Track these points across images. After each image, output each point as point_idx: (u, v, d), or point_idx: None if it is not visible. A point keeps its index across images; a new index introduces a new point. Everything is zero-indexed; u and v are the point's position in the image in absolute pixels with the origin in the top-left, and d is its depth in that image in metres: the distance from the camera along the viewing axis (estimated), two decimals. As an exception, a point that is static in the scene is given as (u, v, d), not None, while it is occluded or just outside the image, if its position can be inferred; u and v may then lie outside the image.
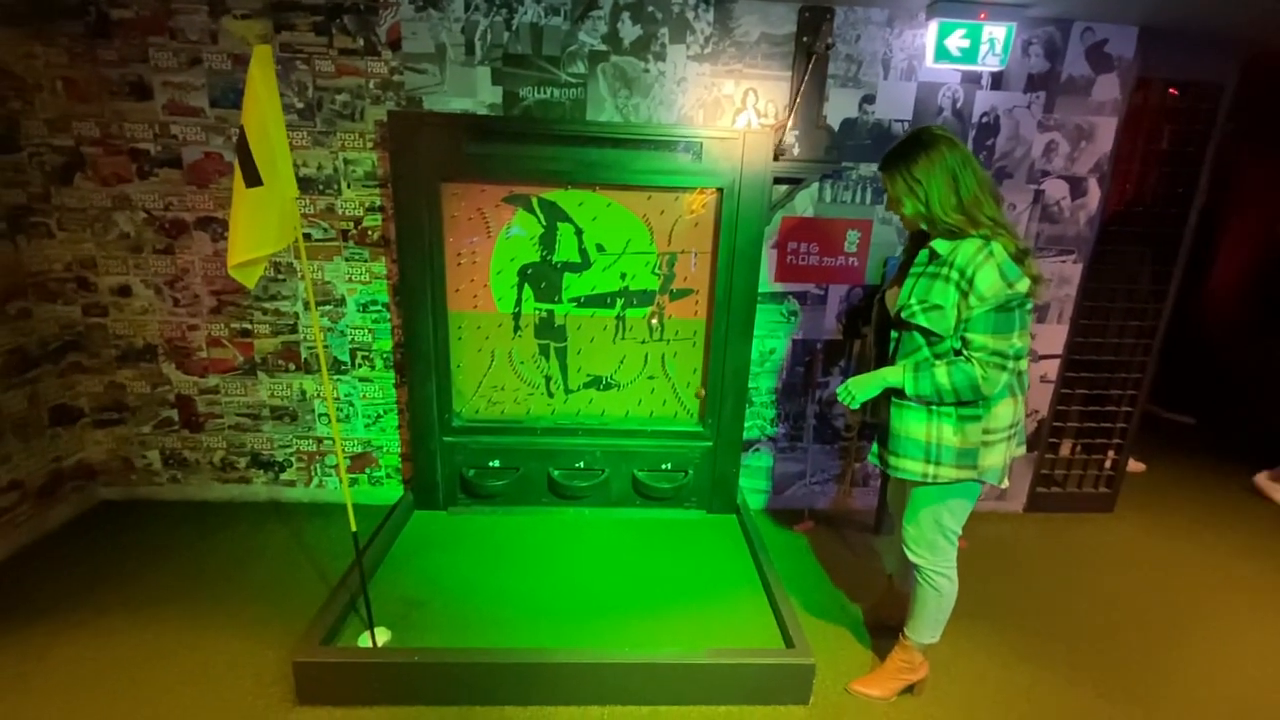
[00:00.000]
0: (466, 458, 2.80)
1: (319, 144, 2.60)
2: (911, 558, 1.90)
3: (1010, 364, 1.61)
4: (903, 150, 1.68)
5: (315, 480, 3.03)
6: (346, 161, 2.63)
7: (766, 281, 2.82)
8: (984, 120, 2.70)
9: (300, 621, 2.18)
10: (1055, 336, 3.01)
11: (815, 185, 2.73)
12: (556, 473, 2.81)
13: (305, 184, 2.63)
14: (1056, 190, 2.81)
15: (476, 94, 2.57)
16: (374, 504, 2.96)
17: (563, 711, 1.90)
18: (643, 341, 2.80)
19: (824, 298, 2.88)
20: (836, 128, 2.66)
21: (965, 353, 1.63)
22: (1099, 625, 2.43)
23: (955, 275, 1.61)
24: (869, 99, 2.65)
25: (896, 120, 2.67)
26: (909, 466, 1.77)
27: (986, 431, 1.70)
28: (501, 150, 2.48)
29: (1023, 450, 1.84)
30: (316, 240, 2.71)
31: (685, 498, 2.88)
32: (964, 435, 1.70)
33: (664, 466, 2.85)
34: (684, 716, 1.90)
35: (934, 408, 1.72)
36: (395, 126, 2.40)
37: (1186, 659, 2.28)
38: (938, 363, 1.67)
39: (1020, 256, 1.59)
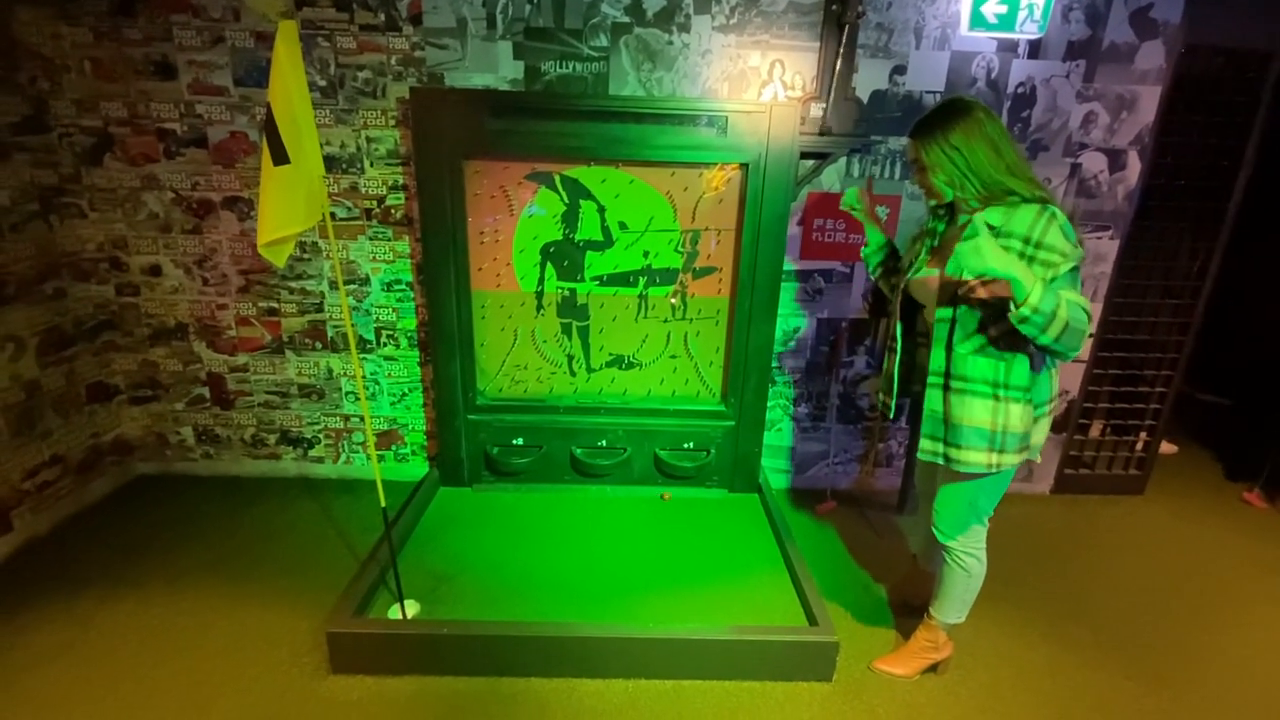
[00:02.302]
0: (490, 435, 2.82)
1: (342, 122, 2.60)
2: (941, 539, 1.88)
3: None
4: (939, 117, 1.60)
5: (343, 457, 3.09)
6: (369, 140, 2.62)
7: (791, 259, 2.78)
8: (1019, 91, 2.61)
9: (331, 593, 2.23)
10: (1088, 315, 2.93)
11: (843, 160, 2.66)
12: (579, 451, 2.83)
13: (329, 163, 2.64)
14: (1094, 163, 2.72)
15: (498, 69, 2.54)
16: (400, 480, 3.01)
17: (587, 684, 1.94)
18: (665, 320, 2.79)
19: (850, 275, 2.83)
20: (866, 100, 2.59)
21: None
22: (1126, 608, 2.41)
23: (1018, 244, 1.49)
24: (900, 70, 2.57)
25: (928, 91, 2.59)
26: (974, 459, 1.65)
27: (1037, 405, 1.69)
28: (523, 126, 2.45)
29: None
30: (341, 219, 2.72)
31: (707, 477, 2.89)
32: (1025, 417, 1.63)
33: (686, 446, 2.85)
34: (707, 691, 1.93)
35: (999, 390, 1.60)
36: (417, 103, 2.38)
37: (1216, 643, 2.25)
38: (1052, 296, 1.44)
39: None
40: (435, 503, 2.75)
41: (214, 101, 2.57)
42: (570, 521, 2.65)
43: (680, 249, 2.69)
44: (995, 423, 1.62)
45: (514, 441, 2.84)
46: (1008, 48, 2.56)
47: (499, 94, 2.52)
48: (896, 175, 2.70)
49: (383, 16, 2.48)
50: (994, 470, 1.67)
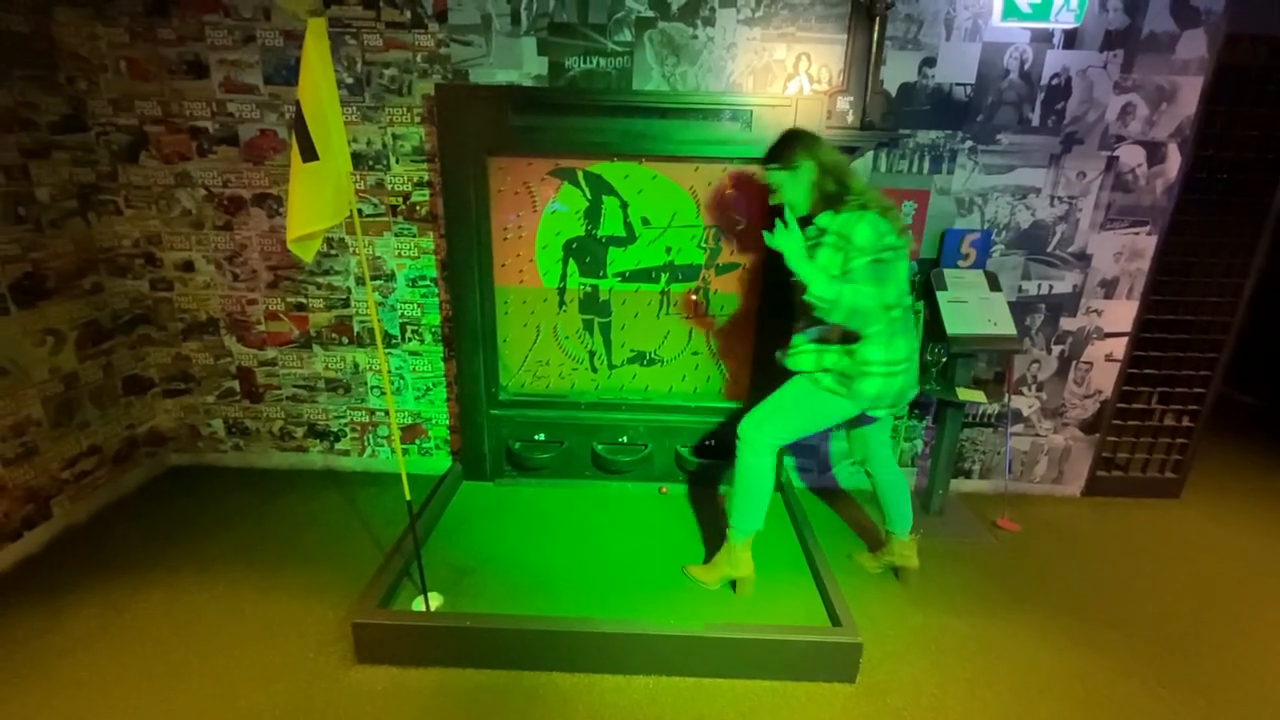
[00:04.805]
0: (512, 431, 2.84)
1: (368, 119, 2.63)
2: (739, 431, 2.10)
3: (887, 311, 1.85)
4: (774, 149, 1.98)
5: (368, 450, 3.13)
6: (395, 137, 2.65)
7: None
8: (1054, 82, 2.54)
9: (357, 584, 2.27)
10: (1123, 313, 2.85)
11: (870, 154, 2.62)
12: (600, 447, 2.83)
13: (355, 159, 2.67)
14: (1132, 157, 2.64)
15: (522, 65, 2.55)
16: (424, 474, 3.04)
17: (608, 680, 1.94)
18: (687, 317, 2.77)
19: (876, 272, 2.78)
20: (894, 93, 2.55)
21: None
22: (1162, 614, 2.34)
23: (834, 239, 1.86)
24: (929, 62, 2.52)
25: (958, 84, 2.54)
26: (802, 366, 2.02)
27: (863, 363, 1.91)
28: (547, 122, 2.45)
29: (914, 390, 2.09)
30: (367, 216, 2.76)
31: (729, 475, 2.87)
32: (843, 363, 1.93)
33: (708, 443, 2.84)
34: (728, 690, 1.92)
35: (819, 348, 1.98)
36: (442, 100, 2.40)
37: (1256, 652, 2.17)
38: (848, 284, 1.84)
39: (886, 212, 1.85)
40: (458, 497, 2.78)
41: (245, 100, 2.62)
42: (591, 517, 2.65)
43: (703, 245, 2.67)
44: (816, 364, 1.99)
45: (536, 437, 2.85)
46: (1042, 38, 2.49)
47: (523, 90, 2.52)
48: (925, 170, 2.65)
49: (408, 14, 2.50)
50: (814, 383, 1.99)
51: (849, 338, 1.91)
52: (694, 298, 2.73)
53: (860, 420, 2.14)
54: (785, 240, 1.83)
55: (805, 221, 1.94)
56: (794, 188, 1.95)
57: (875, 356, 1.90)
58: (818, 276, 1.82)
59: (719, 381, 2.86)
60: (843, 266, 1.83)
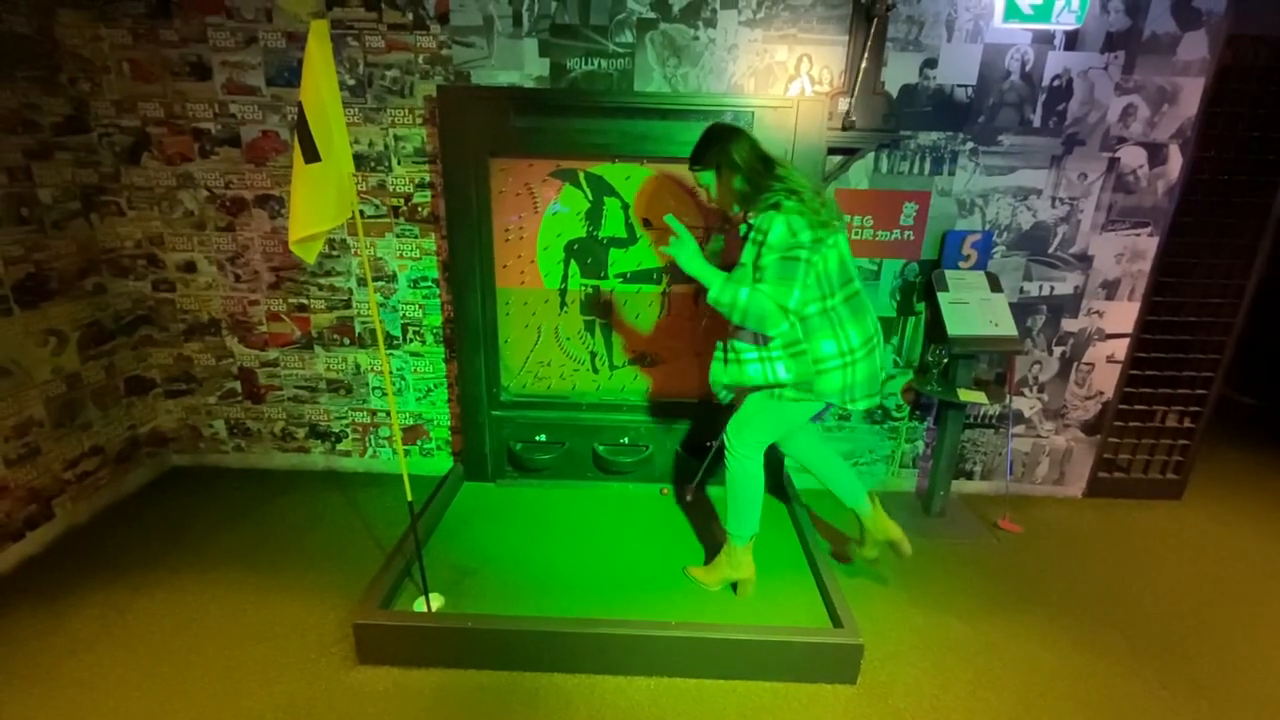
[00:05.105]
0: (514, 432, 2.84)
1: (370, 120, 2.63)
2: (725, 437, 2.10)
3: (786, 315, 1.80)
4: (697, 149, 1.92)
5: (370, 451, 3.13)
6: (397, 138, 2.65)
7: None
8: (1055, 84, 2.54)
9: (358, 585, 2.27)
10: (1125, 315, 2.85)
11: (871, 155, 2.62)
12: (601, 448, 2.83)
13: (357, 161, 2.67)
14: (1133, 158, 2.64)
15: (524, 67, 2.55)
16: (425, 475, 3.04)
17: (609, 681, 1.94)
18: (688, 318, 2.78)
19: (878, 273, 2.79)
20: (895, 94, 2.55)
21: None
22: (1163, 615, 2.33)
23: (760, 236, 1.80)
24: (931, 63, 2.52)
25: (960, 85, 2.54)
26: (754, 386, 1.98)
27: (816, 361, 1.88)
28: (548, 124, 2.45)
29: (881, 373, 2.00)
30: (369, 217, 2.76)
31: (730, 475, 2.87)
32: (796, 369, 1.88)
33: (709, 444, 2.84)
34: (729, 691, 1.92)
35: (763, 355, 1.91)
36: (444, 102, 2.40)
37: (1258, 653, 2.17)
38: (750, 286, 1.81)
39: (803, 206, 1.77)
40: (459, 497, 2.78)
41: (247, 101, 2.62)
42: (592, 518, 2.65)
43: (705, 246, 2.67)
44: (765, 377, 1.92)
45: (537, 438, 2.85)
46: (1043, 39, 2.49)
47: (524, 92, 2.53)
48: (926, 171, 2.65)
49: (410, 15, 2.50)
50: (773, 396, 1.96)
51: (791, 341, 1.88)
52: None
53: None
54: (677, 251, 1.87)
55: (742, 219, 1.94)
56: (716, 188, 1.94)
57: (827, 351, 1.87)
58: (715, 280, 1.83)
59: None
60: (755, 262, 1.81)
